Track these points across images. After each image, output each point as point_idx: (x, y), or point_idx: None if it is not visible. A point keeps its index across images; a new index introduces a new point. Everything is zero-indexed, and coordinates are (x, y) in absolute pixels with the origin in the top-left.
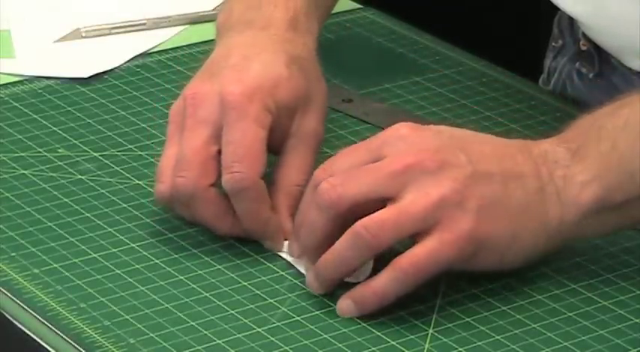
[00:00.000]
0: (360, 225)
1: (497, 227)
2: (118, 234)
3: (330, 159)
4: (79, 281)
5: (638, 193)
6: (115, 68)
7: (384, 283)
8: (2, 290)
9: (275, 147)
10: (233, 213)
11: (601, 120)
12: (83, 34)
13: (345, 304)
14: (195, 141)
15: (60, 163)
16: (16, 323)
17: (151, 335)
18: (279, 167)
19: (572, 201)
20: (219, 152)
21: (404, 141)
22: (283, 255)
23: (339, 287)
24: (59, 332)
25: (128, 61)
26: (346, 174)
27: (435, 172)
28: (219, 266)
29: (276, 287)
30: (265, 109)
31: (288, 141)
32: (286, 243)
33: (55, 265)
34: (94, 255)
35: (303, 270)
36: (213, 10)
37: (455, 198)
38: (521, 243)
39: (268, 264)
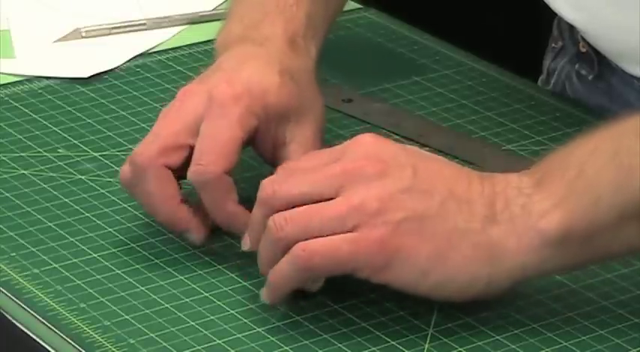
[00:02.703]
0: (271, 218)
1: (418, 243)
2: (117, 234)
3: (296, 159)
4: (79, 281)
5: (604, 222)
6: (115, 68)
7: (281, 267)
8: (2, 290)
9: (267, 156)
10: (177, 203)
11: (571, 148)
12: (83, 34)
13: (262, 291)
14: (169, 127)
15: (60, 163)
16: (16, 323)
17: (151, 335)
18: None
19: (530, 230)
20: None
21: (361, 148)
22: None
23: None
24: (59, 332)
25: (128, 61)
26: (290, 172)
27: (370, 178)
28: (219, 267)
29: None
30: (250, 113)
31: (283, 150)
32: None
33: (55, 265)
34: (94, 255)
35: None
36: (213, 10)
37: (376, 206)
38: (455, 268)
39: None
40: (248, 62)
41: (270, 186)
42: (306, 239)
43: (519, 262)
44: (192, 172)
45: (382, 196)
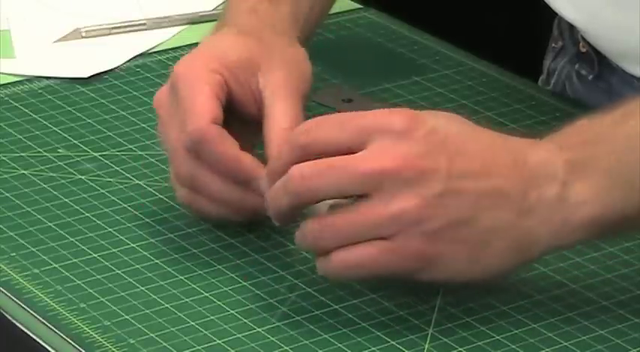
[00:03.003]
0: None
1: (454, 249)
2: (118, 234)
3: (316, 121)
4: (79, 281)
5: (637, 210)
6: (115, 68)
7: (320, 268)
8: (2, 290)
9: (253, 111)
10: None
11: (606, 131)
12: (83, 34)
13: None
14: (169, 134)
15: (60, 163)
16: (16, 323)
17: (151, 335)
18: (263, 122)
19: (564, 221)
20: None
21: (391, 139)
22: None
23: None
24: (59, 332)
25: (128, 61)
26: (319, 166)
27: (407, 183)
28: (219, 266)
29: (276, 287)
30: (209, 71)
31: (262, 97)
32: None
33: (55, 265)
34: (94, 255)
35: None
36: (213, 10)
37: (415, 216)
38: (489, 264)
39: (268, 264)
40: (207, 39)
41: (301, 182)
42: (342, 245)
43: (551, 247)
44: (185, 142)
45: (420, 205)
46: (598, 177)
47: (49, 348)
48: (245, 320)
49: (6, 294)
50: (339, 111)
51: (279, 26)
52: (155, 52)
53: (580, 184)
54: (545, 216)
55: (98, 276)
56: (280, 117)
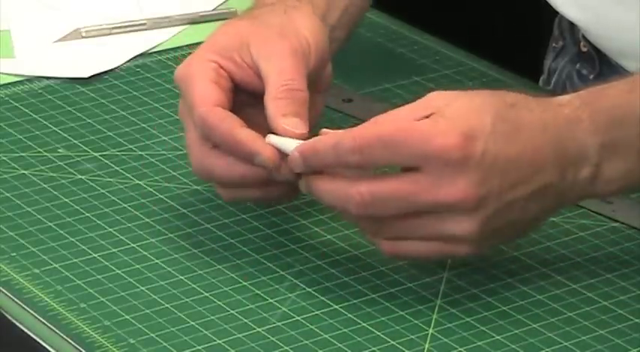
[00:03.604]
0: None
1: (500, 241)
2: (118, 234)
3: (367, 133)
4: (79, 281)
5: None
6: (115, 68)
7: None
8: (2, 290)
9: (256, 85)
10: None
11: (635, 109)
12: (83, 34)
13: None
14: (187, 135)
15: (60, 163)
16: (16, 323)
17: (151, 335)
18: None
19: (592, 193)
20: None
21: (449, 169)
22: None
23: (337, 287)
24: (59, 332)
25: (128, 61)
26: (382, 194)
27: (466, 212)
28: (219, 266)
29: (276, 287)
30: (202, 62)
31: (259, 69)
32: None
33: (55, 265)
34: (94, 255)
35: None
36: (213, 10)
37: (468, 237)
38: (526, 232)
39: (268, 264)
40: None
41: (364, 208)
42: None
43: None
44: (196, 129)
45: (480, 229)
46: (628, 157)
47: (49, 348)
48: (245, 320)
49: (6, 294)
50: (339, 111)
51: (291, 2)
52: (155, 52)
53: (611, 164)
54: (577, 194)
55: (98, 276)
56: (276, 79)
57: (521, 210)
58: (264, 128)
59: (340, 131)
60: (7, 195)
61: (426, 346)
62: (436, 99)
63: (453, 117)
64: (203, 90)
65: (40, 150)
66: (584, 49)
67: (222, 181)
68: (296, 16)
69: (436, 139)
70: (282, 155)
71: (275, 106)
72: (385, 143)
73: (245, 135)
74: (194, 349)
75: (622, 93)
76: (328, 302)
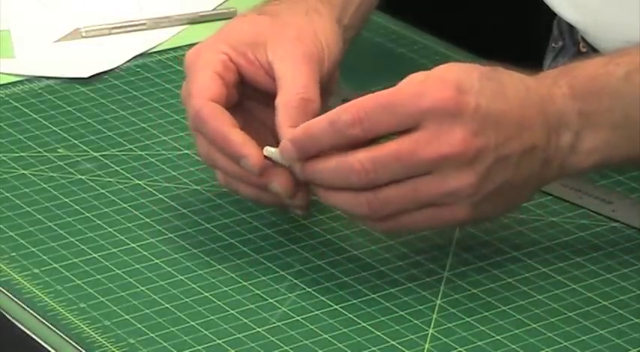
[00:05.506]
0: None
1: (494, 209)
2: (118, 234)
3: (364, 103)
4: (79, 281)
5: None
6: (115, 68)
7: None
8: (2, 290)
9: (264, 83)
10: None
11: (616, 83)
12: (83, 34)
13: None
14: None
15: (60, 163)
16: (16, 323)
17: (151, 335)
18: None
19: (573, 168)
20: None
21: (446, 122)
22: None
23: (337, 287)
24: (59, 332)
25: (128, 61)
26: (382, 159)
27: (465, 163)
28: (219, 266)
29: (276, 287)
30: (213, 52)
31: (273, 70)
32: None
33: (55, 265)
34: (94, 255)
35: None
36: (213, 10)
37: (469, 192)
38: (514, 203)
39: (268, 264)
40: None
41: (366, 175)
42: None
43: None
44: (189, 123)
45: (473, 183)
46: (607, 128)
47: (49, 348)
48: (245, 320)
49: (6, 294)
50: None
51: (313, 3)
52: (155, 52)
53: (591, 134)
54: (559, 163)
55: (98, 276)
56: (290, 84)
57: (514, 168)
58: (267, 124)
59: (325, 114)
60: (7, 195)
61: (426, 346)
62: (421, 72)
63: (442, 75)
64: (203, 82)
65: (40, 150)
66: (584, 50)
67: (224, 171)
68: (316, 19)
69: (430, 94)
70: (277, 166)
71: (286, 114)
72: (384, 107)
73: (235, 135)
74: (194, 349)
75: (598, 66)
76: (328, 302)
